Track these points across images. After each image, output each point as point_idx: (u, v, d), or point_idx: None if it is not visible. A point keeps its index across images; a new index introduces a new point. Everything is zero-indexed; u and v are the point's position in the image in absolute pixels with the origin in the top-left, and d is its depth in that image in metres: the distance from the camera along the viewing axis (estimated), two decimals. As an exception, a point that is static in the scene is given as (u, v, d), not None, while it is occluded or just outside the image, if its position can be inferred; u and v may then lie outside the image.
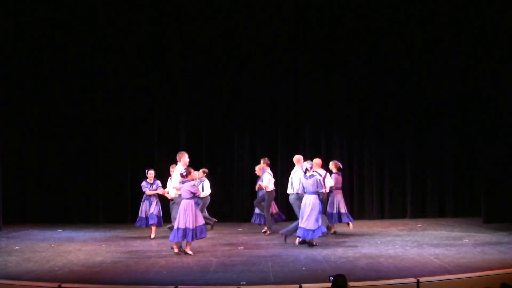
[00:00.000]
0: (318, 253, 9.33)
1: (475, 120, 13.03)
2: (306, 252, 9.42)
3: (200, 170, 11.52)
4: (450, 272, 7.67)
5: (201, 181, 11.29)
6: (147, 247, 10.16)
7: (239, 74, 13.64)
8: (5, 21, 12.76)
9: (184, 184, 9.27)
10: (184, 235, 9.16)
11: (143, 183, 11.29)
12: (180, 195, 9.53)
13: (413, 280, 7.11)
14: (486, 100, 12.47)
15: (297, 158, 10.82)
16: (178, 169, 9.73)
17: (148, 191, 11.20)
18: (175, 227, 9.29)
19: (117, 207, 13.44)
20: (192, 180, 9.55)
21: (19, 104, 13.40)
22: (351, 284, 5.89)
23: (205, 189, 11.33)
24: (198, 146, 13.70)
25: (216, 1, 13.36)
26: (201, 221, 9.28)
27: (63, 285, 7.21)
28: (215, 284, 7.41)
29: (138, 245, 10.34)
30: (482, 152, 12.62)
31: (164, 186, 11.23)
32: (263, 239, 10.93)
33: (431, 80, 13.59)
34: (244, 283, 7.38)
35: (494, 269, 7.67)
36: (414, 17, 13.28)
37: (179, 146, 13.72)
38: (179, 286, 7.19)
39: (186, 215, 9.13)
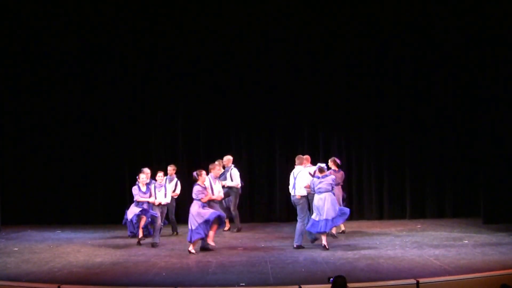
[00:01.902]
0: (317, 254, 9.31)
1: (474, 120, 13.03)
2: (306, 253, 9.41)
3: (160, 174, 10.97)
4: (450, 273, 7.66)
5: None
6: (147, 248, 10.13)
7: (236, 74, 13.60)
8: (3, 20, 12.75)
9: (326, 178, 9.65)
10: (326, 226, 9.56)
11: (136, 189, 10.70)
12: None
13: (413, 281, 7.09)
14: (485, 100, 12.46)
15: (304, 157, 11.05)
16: (304, 172, 10.13)
17: (139, 198, 10.56)
18: (319, 218, 9.50)
19: (116, 208, 13.39)
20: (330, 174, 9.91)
21: (17, 104, 13.38)
22: (350, 285, 5.86)
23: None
24: (195, 146, 13.70)
25: (213, 3, 13.34)
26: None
27: (62, 286, 7.20)
28: (214, 285, 7.40)
29: (137, 246, 10.30)
30: (481, 152, 12.62)
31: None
32: (262, 240, 10.91)
33: (430, 80, 13.58)
34: (243, 284, 7.37)
35: (494, 270, 7.66)
36: (415, 18, 13.26)
37: (177, 146, 13.75)
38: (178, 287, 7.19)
39: (333, 206, 9.55)
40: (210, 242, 9.68)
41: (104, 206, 13.56)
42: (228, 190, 11.72)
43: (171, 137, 13.82)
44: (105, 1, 13.24)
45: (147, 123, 13.76)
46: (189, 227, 9.59)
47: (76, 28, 13.25)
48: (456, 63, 13.39)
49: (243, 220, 13.06)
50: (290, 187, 10.41)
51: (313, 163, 11.72)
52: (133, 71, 13.53)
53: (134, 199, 10.60)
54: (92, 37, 13.33)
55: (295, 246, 9.81)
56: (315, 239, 10.00)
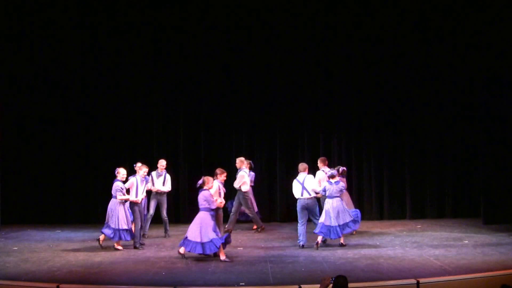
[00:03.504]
0: (317, 254, 9.31)
1: (473, 121, 13.04)
2: (305, 253, 9.40)
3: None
4: (450, 273, 7.65)
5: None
6: (146, 247, 10.11)
7: (238, 77, 13.62)
8: (4, 21, 12.74)
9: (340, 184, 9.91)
10: None
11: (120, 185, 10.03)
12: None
13: (413, 281, 7.09)
14: (484, 101, 12.46)
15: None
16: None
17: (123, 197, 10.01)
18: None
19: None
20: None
21: (18, 105, 13.36)
22: (350, 285, 5.84)
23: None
24: (196, 148, 13.68)
25: (214, 4, 13.33)
26: None
27: (61, 285, 7.19)
28: (214, 285, 7.40)
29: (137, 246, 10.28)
30: (481, 152, 12.62)
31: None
32: (262, 240, 10.90)
33: (429, 82, 13.60)
34: (243, 284, 7.36)
35: (494, 270, 7.66)
36: (413, 21, 13.28)
37: (178, 148, 13.73)
38: (177, 287, 7.17)
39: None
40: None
41: (104, 206, 13.43)
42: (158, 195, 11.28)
43: (173, 138, 13.81)
44: (110, 2, 13.22)
45: (149, 124, 13.75)
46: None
47: (78, 28, 13.22)
48: (454, 64, 13.40)
49: (243, 220, 13.07)
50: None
51: (314, 164, 11.83)
52: (135, 73, 13.51)
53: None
54: (94, 38, 13.30)
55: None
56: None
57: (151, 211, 11.18)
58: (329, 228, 9.56)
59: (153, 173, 11.24)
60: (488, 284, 6.97)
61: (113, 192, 9.97)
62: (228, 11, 13.28)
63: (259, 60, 13.56)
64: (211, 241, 8.76)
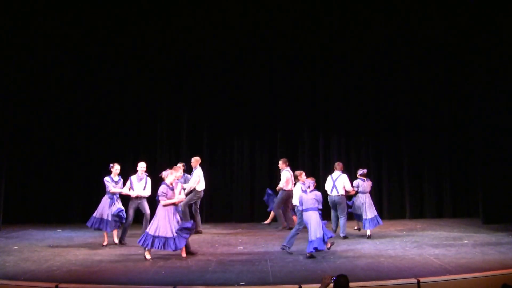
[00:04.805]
0: (317, 253, 9.29)
1: (471, 120, 13.06)
2: (305, 252, 9.37)
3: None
4: (450, 273, 7.65)
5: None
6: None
7: (239, 79, 13.71)
8: (5, 20, 12.72)
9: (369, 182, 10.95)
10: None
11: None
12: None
13: (413, 280, 7.09)
14: (482, 101, 12.49)
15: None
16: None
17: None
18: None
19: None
20: None
21: (21, 105, 13.35)
22: (351, 284, 5.84)
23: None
24: (199, 149, 13.69)
25: (217, 6, 13.35)
26: None
27: (60, 285, 7.18)
28: (214, 285, 7.38)
29: (136, 245, 10.26)
30: (479, 152, 12.64)
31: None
32: (262, 239, 10.90)
33: (427, 82, 13.66)
34: (243, 283, 7.35)
35: (494, 270, 7.66)
36: (410, 22, 13.33)
37: (181, 149, 13.75)
38: (177, 286, 7.17)
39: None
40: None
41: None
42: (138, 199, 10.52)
43: (175, 139, 13.86)
44: (114, 3, 13.22)
45: (151, 125, 13.79)
46: None
47: (81, 28, 13.23)
48: (452, 66, 13.52)
49: (243, 219, 13.09)
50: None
51: (313, 165, 11.83)
52: (139, 74, 13.58)
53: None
54: (97, 37, 13.34)
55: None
56: None
57: (130, 219, 10.37)
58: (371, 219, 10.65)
59: (133, 177, 10.41)
60: (488, 283, 6.98)
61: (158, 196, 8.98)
62: (231, 16, 13.36)
63: (260, 64, 13.73)
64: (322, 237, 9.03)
